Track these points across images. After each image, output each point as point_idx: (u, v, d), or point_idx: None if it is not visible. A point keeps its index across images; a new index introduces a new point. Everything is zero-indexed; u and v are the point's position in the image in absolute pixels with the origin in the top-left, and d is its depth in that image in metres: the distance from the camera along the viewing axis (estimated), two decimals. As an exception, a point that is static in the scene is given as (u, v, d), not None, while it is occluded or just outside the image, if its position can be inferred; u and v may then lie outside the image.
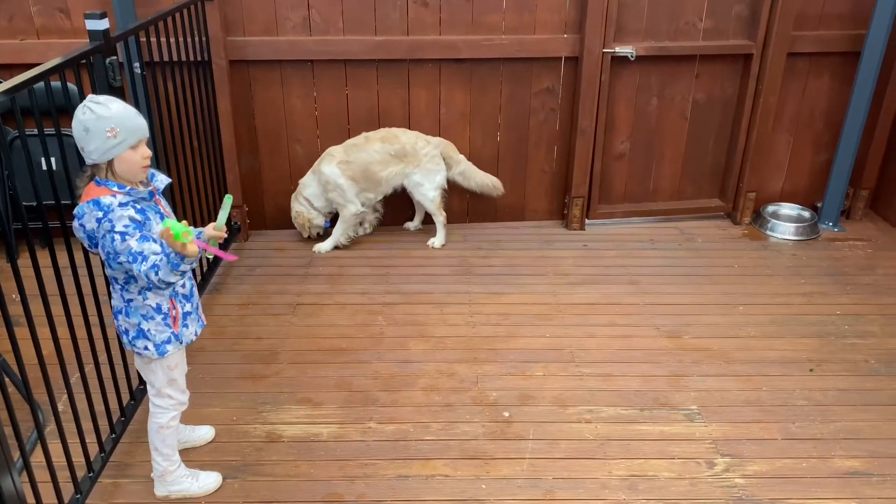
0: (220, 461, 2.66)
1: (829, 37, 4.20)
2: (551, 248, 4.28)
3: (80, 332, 2.42)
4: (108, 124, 1.99)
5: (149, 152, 2.10)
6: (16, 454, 2.05)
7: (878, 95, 4.26)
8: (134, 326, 2.22)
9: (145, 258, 2.01)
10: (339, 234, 4.17)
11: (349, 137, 4.11)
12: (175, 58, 3.42)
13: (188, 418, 2.75)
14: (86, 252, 2.39)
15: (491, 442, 2.77)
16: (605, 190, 4.52)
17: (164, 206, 2.23)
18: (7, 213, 3.62)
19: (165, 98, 3.34)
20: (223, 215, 2.12)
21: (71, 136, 2.05)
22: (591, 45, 4.02)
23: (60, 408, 2.42)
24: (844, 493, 2.55)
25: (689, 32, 4.16)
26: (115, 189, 2.05)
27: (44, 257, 2.21)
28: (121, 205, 2.03)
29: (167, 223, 1.92)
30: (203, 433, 2.76)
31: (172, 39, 3.37)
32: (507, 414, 2.91)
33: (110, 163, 2.04)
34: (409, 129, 4.16)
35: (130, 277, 2.14)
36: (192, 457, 2.65)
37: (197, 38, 3.66)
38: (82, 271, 2.42)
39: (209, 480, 2.54)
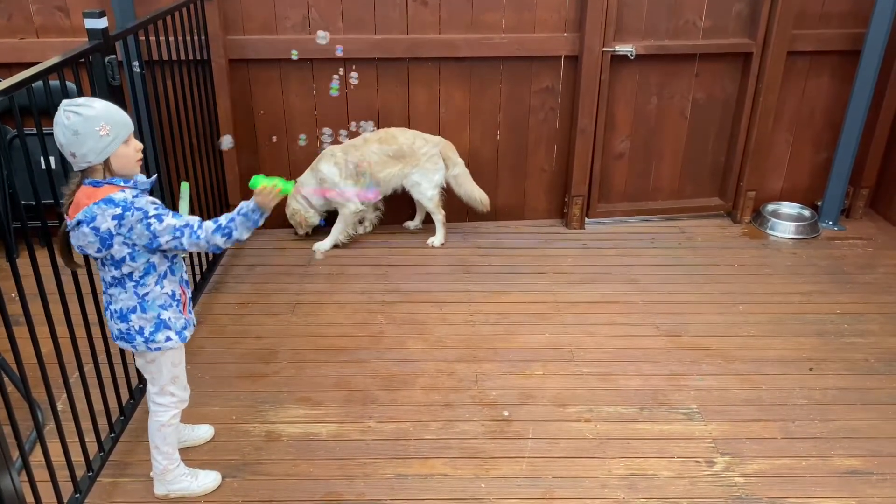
0: (220, 460, 2.66)
1: (829, 35, 4.20)
2: (551, 247, 4.27)
3: (80, 332, 2.42)
4: (98, 123, 1.98)
5: (140, 145, 2.11)
6: (15, 453, 2.05)
7: (878, 94, 4.25)
8: (151, 321, 2.21)
9: (194, 226, 2.09)
10: (338, 233, 4.17)
11: (349, 137, 4.11)
12: (174, 57, 3.41)
13: (188, 417, 2.74)
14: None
15: (490, 441, 2.77)
16: (605, 189, 4.52)
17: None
18: (6, 212, 3.62)
19: (165, 97, 3.34)
20: (184, 206, 2.14)
21: None
22: (591, 44, 4.01)
23: (60, 407, 2.42)
24: (844, 491, 2.55)
25: (689, 31, 4.16)
26: (123, 184, 2.05)
27: (42, 256, 2.21)
28: (135, 196, 2.05)
29: (270, 180, 2.09)
30: (202, 432, 2.76)
31: (172, 38, 3.36)
32: (506, 413, 2.91)
33: (106, 162, 2.03)
34: (409, 128, 4.16)
35: (151, 266, 2.14)
36: (191, 456, 2.65)
37: (196, 37, 3.66)
38: (81, 270, 2.41)
39: (208, 479, 2.54)
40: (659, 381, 3.10)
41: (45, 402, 2.31)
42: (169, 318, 2.23)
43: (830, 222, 4.51)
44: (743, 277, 3.93)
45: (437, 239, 4.25)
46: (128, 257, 2.10)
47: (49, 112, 2.31)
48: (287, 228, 4.34)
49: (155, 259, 2.15)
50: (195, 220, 2.12)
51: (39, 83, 2.19)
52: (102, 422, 2.61)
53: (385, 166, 4.03)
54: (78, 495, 2.41)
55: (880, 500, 2.52)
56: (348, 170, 3.99)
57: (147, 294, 2.18)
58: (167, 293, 2.21)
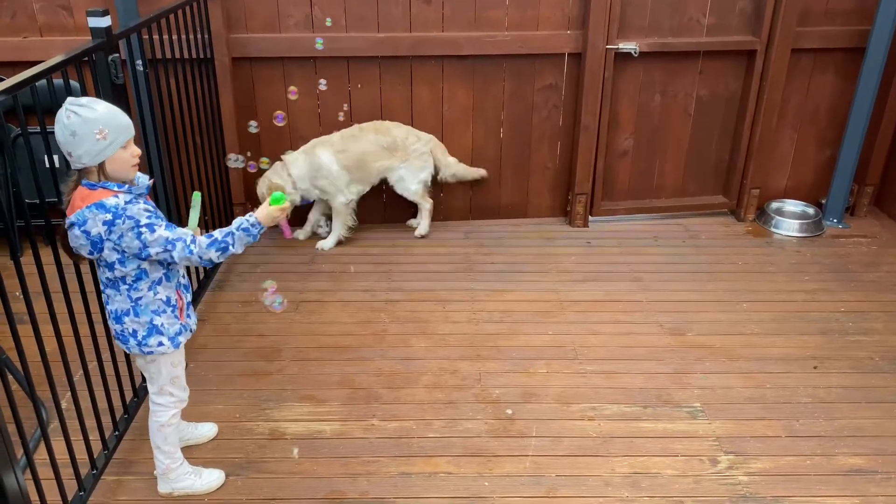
0: (223, 458, 2.66)
1: (833, 33, 4.18)
2: (554, 245, 4.27)
3: (84, 330, 2.43)
4: (96, 126, 1.97)
5: (138, 151, 2.09)
6: (19, 452, 2.05)
7: (883, 91, 4.24)
8: (145, 325, 2.21)
9: (188, 241, 2.07)
10: (339, 229, 4.16)
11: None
12: (177, 55, 3.41)
13: (191, 415, 2.75)
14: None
15: (494, 439, 2.77)
16: (609, 187, 4.51)
17: (152, 204, 2.22)
18: (10, 210, 3.62)
19: (168, 96, 3.34)
20: (195, 215, 2.13)
21: None
22: (595, 42, 4.00)
23: (64, 405, 2.42)
24: (848, 490, 2.54)
25: (693, 28, 4.14)
26: (116, 189, 2.04)
27: (46, 254, 2.21)
28: (127, 203, 2.03)
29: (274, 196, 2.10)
30: (206, 430, 2.76)
31: (175, 37, 3.36)
32: (509, 411, 2.91)
33: (101, 164, 2.02)
34: (413, 126, 4.16)
35: (142, 273, 2.13)
36: (195, 454, 2.65)
37: (199, 36, 3.66)
38: (85, 268, 2.41)
39: (212, 478, 2.54)
40: (662, 379, 3.10)
41: (49, 400, 2.32)
42: (162, 324, 2.22)
43: (835, 220, 4.50)
44: (747, 275, 3.93)
45: (421, 228, 4.28)
46: (117, 262, 2.10)
47: (53, 111, 2.32)
48: (291, 227, 4.32)
49: (146, 266, 2.13)
50: (189, 234, 2.10)
51: (43, 82, 2.19)
52: (106, 420, 2.62)
53: (379, 158, 4.05)
54: (82, 493, 2.41)
55: (885, 498, 2.51)
56: (346, 159, 3.98)
57: (140, 298, 2.18)
58: (161, 299, 2.20)
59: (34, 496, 2.13)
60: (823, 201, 4.56)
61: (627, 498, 2.51)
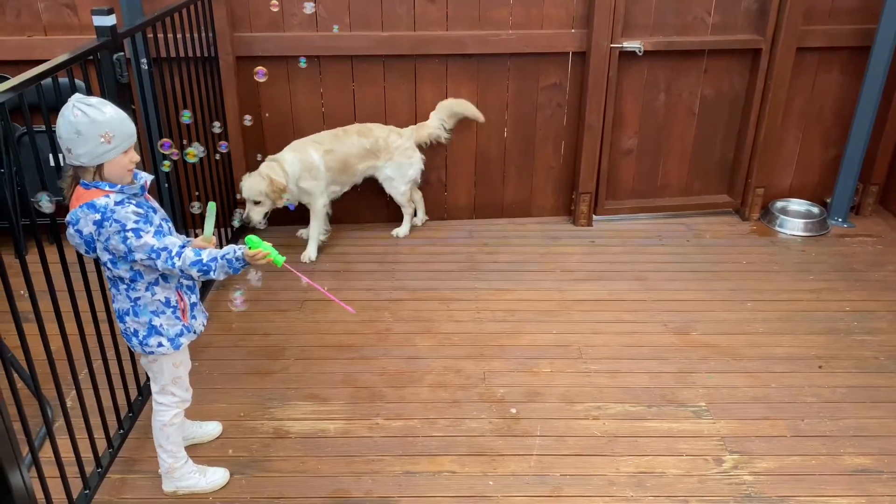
0: (228, 457, 2.67)
1: (838, 31, 4.17)
2: (558, 244, 4.26)
3: (89, 328, 2.43)
4: (103, 129, 1.96)
5: (137, 157, 2.08)
6: (25, 449, 2.05)
7: (888, 90, 4.22)
8: (144, 325, 2.21)
9: (172, 252, 2.04)
10: (317, 234, 4.08)
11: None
12: (182, 54, 3.42)
13: (195, 414, 2.75)
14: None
15: (498, 438, 2.76)
16: (613, 186, 4.50)
17: (153, 201, 2.22)
18: (15, 208, 3.63)
19: (172, 94, 3.34)
20: (210, 225, 2.13)
21: None
22: (599, 40, 4.00)
23: (69, 403, 2.43)
24: (853, 490, 2.54)
25: (698, 27, 4.13)
26: (107, 189, 2.03)
27: (52, 253, 2.21)
28: (117, 203, 2.02)
29: (261, 246, 2.06)
30: (210, 429, 2.76)
31: (179, 35, 3.37)
32: (514, 410, 2.91)
33: (99, 166, 2.01)
34: (416, 124, 4.16)
35: (137, 274, 2.13)
36: (199, 452, 2.65)
37: (204, 34, 3.66)
38: (90, 267, 2.42)
39: (216, 476, 2.55)
40: (667, 378, 3.09)
41: (54, 398, 2.32)
42: (161, 325, 2.22)
43: (840, 219, 4.49)
44: (751, 275, 3.92)
45: (402, 230, 4.30)
46: (109, 262, 2.10)
47: (58, 109, 2.32)
48: (291, 225, 4.32)
49: (140, 267, 2.13)
50: (177, 245, 2.06)
51: (48, 80, 2.19)
52: (111, 418, 2.62)
53: (364, 159, 4.04)
54: (87, 491, 2.42)
55: (890, 498, 2.51)
56: (332, 160, 3.95)
57: (139, 299, 2.18)
58: (160, 300, 2.20)
59: (39, 494, 2.14)
60: (828, 200, 4.55)
61: (632, 497, 2.50)
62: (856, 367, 3.17)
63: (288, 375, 3.11)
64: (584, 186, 4.37)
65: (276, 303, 3.64)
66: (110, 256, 2.08)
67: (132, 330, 2.23)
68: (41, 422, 2.28)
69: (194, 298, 2.33)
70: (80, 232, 2.04)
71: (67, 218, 2.04)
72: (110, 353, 2.61)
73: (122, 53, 2.76)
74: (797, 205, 4.58)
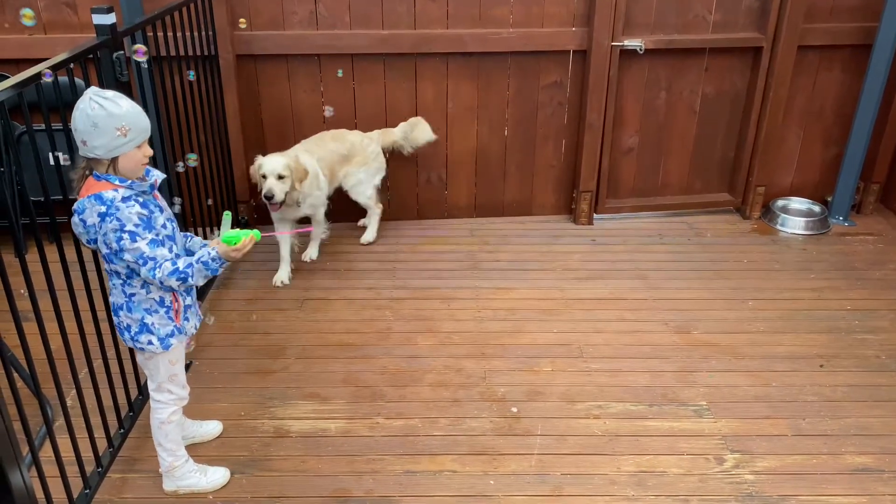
0: (228, 456, 2.66)
1: (839, 29, 4.16)
2: (559, 242, 4.26)
3: (89, 327, 2.43)
4: (119, 122, 1.98)
5: (150, 151, 2.11)
6: (25, 449, 2.05)
7: (890, 88, 4.22)
8: (137, 322, 2.22)
9: (158, 264, 2.05)
10: (319, 233, 4.05)
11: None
12: (182, 52, 3.41)
13: (195, 414, 2.75)
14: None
15: (499, 437, 2.76)
16: (614, 184, 4.50)
17: (161, 200, 2.23)
18: (15, 207, 3.62)
19: (172, 93, 3.34)
20: (227, 231, 2.14)
21: None
22: (600, 39, 3.99)
23: (69, 403, 2.43)
24: (855, 489, 2.53)
25: (699, 25, 4.13)
26: (117, 183, 2.04)
27: (52, 252, 2.21)
28: (124, 199, 2.03)
29: (241, 236, 2.12)
30: (211, 428, 2.76)
31: (179, 34, 3.36)
32: (514, 409, 2.90)
33: (113, 159, 2.03)
34: (381, 129, 4.12)
35: (132, 271, 2.14)
36: (199, 452, 2.65)
37: (203, 33, 3.65)
38: (90, 266, 2.42)
39: (217, 475, 2.54)
40: (668, 377, 3.09)
41: (54, 397, 2.32)
42: (153, 324, 2.23)
43: (841, 218, 4.48)
44: (752, 273, 3.91)
45: (368, 235, 4.21)
46: (107, 256, 2.12)
47: (58, 109, 2.32)
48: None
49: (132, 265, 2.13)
50: (163, 258, 2.06)
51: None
52: (111, 418, 2.62)
53: (342, 165, 3.97)
54: (87, 491, 2.42)
55: (892, 497, 2.50)
56: (324, 168, 3.89)
57: (133, 295, 2.19)
58: (154, 298, 2.20)
59: (40, 494, 2.13)
60: (829, 199, 4.54)
61: (633, 496, 2.50)
62: (857, 365, 3.17)
63: (288, 374, 3.11)
64: (585, 185, 4.37)
65: (276, 302, 3.64)
66: (107, 250, 2.09)
67: (125, 325, 2.24)
68: (41, 421, 2.27)
69: (189, 300, 2.33)
70: (84, 222, 2.05)
71: (75, 206, 2.06)
72: (110, 353, 2.61)
73: (122, 52, 2.75)
74: (798, 203, 4.58)
